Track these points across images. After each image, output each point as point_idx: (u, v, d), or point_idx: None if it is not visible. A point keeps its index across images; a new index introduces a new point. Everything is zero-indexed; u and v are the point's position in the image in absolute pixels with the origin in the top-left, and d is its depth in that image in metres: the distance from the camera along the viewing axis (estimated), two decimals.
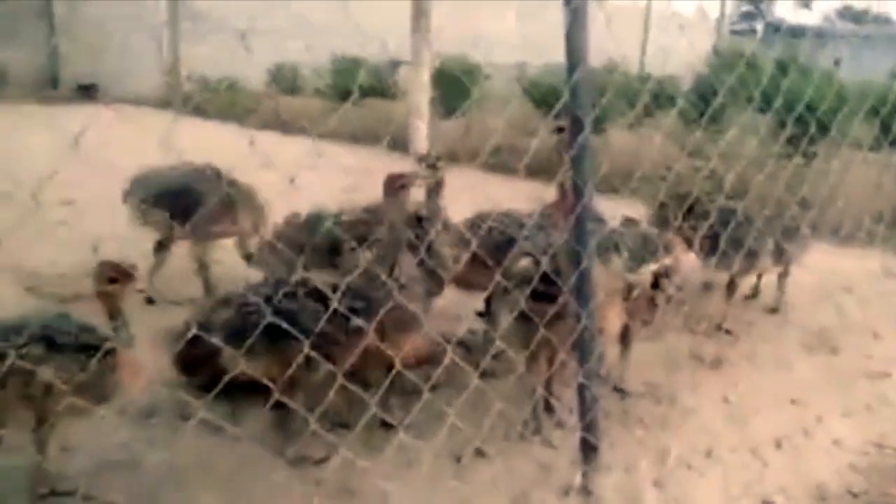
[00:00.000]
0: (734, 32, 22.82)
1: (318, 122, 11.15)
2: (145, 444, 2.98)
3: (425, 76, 9.27)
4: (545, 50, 9.46)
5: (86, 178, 6.04)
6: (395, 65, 12.68)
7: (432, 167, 3.83)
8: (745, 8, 27.88)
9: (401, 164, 9.02)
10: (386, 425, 3.29)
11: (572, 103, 2.53)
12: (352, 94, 11.23)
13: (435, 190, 3.87)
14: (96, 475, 2.84)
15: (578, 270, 2.67)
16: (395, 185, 3.22)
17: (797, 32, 15.33)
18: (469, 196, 5.12)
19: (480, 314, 4.65)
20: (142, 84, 11.29)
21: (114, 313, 2.65)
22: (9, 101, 10.03)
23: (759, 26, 25.17)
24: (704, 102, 7.03)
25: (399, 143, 9.75)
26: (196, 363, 3.03)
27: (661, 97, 9.74)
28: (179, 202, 4.47)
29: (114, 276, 2.65)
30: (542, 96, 11.37)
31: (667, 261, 4.11)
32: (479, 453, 3.25)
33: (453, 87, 10.26)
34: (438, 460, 3.17)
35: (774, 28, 20.38)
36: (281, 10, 11.71)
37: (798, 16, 29.40)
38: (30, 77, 11.50)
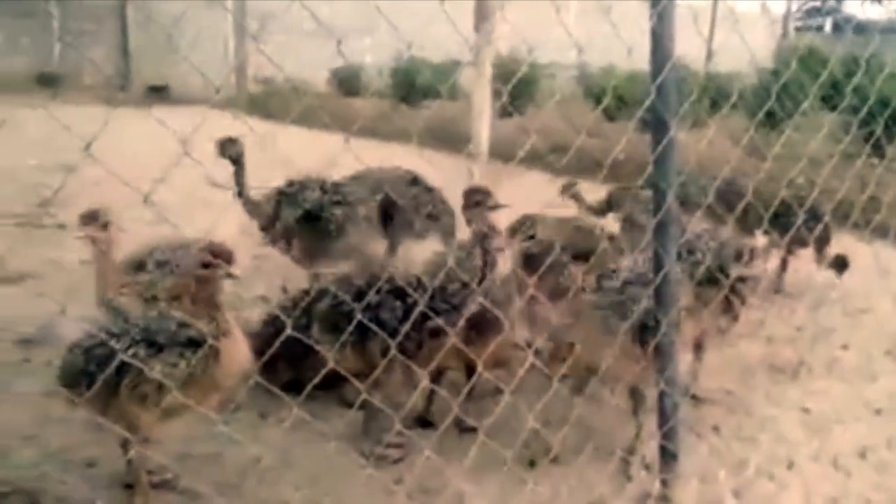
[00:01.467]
0: (799, 29, 22.07)
1: (380, 123, 11.29)
2: (228, 439, 3.05)
3: (487, 76, 9.22)
4: (606, 51, 9.35)
5: (161, 177, 6.23)
6: (456, 65, 12.71)
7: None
8: (812, 4, 26.94)
9: (462, 165, 9.06)
10: (462, 427, 3.30)
11: (658, 104, 2.49)
12: (412, 95, 11.33)
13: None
14: (182, 467, 2.93)
15: (660, 275, 2.62)
16: (472, 201, 3.25)
17: (866, 28, 14.73)
18: (525, 196, 5.12)
19: None
20: (209, 86, 11.58)
21: (212, 300, 2.65)
22: (83, 102, 10.42)
23: (827, 22, 24.29)
24: (772, 101, 6.82)
25: (460, 143, 9.76)
26: (278, 359, 3.06)
27: (726, 96, 9.51)
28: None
29: (213, 260, 2.62)
30: (603, 97, 11.26)
31: (744, 266, 4.01)
32: (555, 459, 3.23)
33: (515, 87, 10.21)
34: (514, 464, 3.17)
35: (842, 24, 19.63)
36: (346, 10, 11.86)
37: (867, 11, 28.21)
38: (103, 78, 11.95)
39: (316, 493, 2.89)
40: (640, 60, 2.67)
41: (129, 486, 2.77)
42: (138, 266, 3.49)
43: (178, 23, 11.29)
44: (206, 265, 2.61)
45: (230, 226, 5.75)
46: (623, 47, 2.60)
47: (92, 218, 3.27)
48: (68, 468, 2.88)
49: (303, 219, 4.34)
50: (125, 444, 2.64)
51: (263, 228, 4.44)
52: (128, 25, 12.18)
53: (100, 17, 12.00)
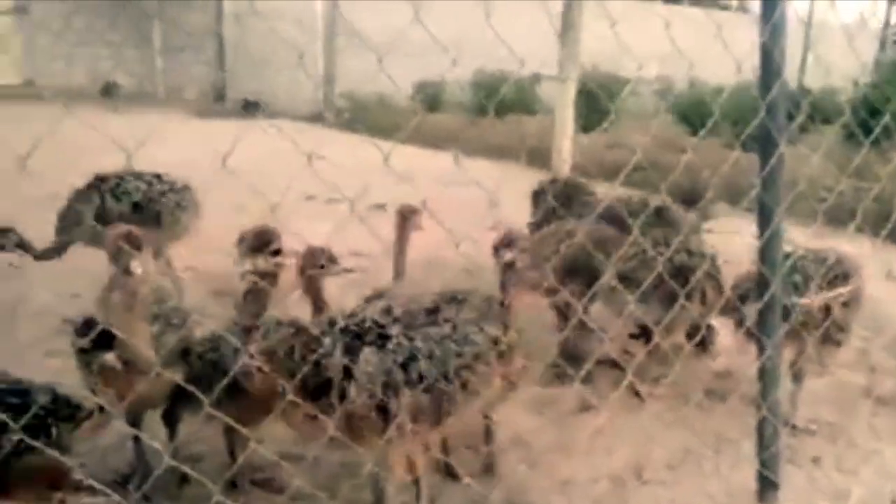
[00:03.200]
0: None
1: (460, 137, 11.41)
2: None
3: (571, 91, 9.21)
4: (688, 64, 9.14)
5: (253, 188, 6.49)
6: (537, 79, 12.71)
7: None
8: None
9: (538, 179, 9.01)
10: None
11: (768, 121, 2.43)
12: (493, 110, 11.39)
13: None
14: (279, 466, 3.03)
15: (766, 298, 2.55)
16: (502, 244, 3.16)
17: None
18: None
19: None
20: (298, 100, 12.02)
21: (318, 301, 2.72)
22: (181, 116, 11.03)
23: None
24: (868, 116, 6.51)
25: (540, 158, 9.76)
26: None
27: (821, 112, 9.14)
28: None
29: (321, 261, 2.70)
30: (688, 112, 11.01)
31: (844, 289, 3.83)
32: (641, 479, 3.19)
33: (597, 101, 10.14)
34: (598, 483, 3.15)
35: None
36: (431, 25, 12.02)
37: None
38: (200, 93, 12.56)
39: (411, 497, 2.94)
40: (726, 75, 2.61)
41: (233, 485, 2.88)
42: None
43: (270, 40, 11.77)
44: (317, 266, 2.70)
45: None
46: (709, 61, 2.56)
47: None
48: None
49: (131, 211, 4.57)
50: (232, 443, 2.74)
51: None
52: (224, 43, 12.75)
53: (199, 35, 12.62)
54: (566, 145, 9.29)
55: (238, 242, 3.21)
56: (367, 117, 12.15)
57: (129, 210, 4.58)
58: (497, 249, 3.09)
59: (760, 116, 2.41)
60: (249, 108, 12.31)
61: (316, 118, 12.14)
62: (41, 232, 4.52)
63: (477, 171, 9.28)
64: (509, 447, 3.29)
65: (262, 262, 2.87)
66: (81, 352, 2.51)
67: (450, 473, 3.08)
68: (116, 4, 11.88)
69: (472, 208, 6.74)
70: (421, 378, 2.48)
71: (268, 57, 12.13)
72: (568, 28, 9.01)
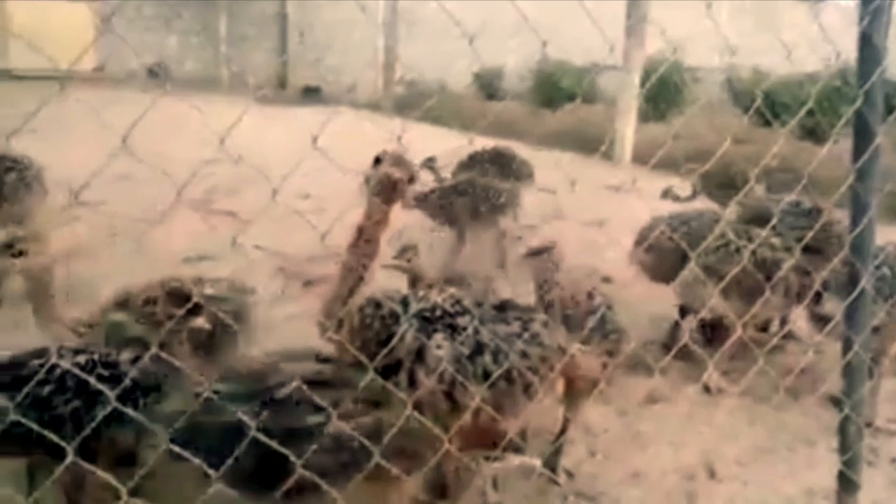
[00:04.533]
0: None
1: (519, 125, 11.33)
2: None
3: (636, 80, 9.04)
4: (754, 53, 8.86)
5: (317, 175, 6.61)
6: (598, 68, 12.52)
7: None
8: None
9: (602, 170, 8.91)
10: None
11: (866, 110, 2.34)
12: (553, 98, 11.29)
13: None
14: None
15: (856, 292, 2.46)
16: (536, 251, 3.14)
17: None
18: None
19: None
20: (358, 87, 12.12)
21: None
22: (243, 102, 11.24)
23: None
24: None
25: (597, 147, 9.63)
26: None
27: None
28: None
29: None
30: (752, 101, 10.67)
31: None
32: (713, 475, 3.14)
33: (661, 91, 9.94)
34: (668, 477, 3.11)
35: None
36: (495, 12, 12.00)
37: None
38: (262, 79, 12.79)
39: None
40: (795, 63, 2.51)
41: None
42: None
43: (332, 27, 11.89)
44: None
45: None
46: (776, 49, 2.46)
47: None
48: None
49: None
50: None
51: None
52: (287, 30, 12.93)
53: (262, 23, 12.83)
54: (628, 135, 9.14)
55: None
56: (425, 104, 12.18)
57: None
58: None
59: (857, 105, 2.32)
60: (310, 94, 12.47)
61: (375, 105, 12.21)
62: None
63: (534, 159, 9.22)
64: (577, 437, 3.28)
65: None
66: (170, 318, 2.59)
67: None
68: None
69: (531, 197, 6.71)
70: (485, 374, 2.47)
71: (329, 44, 12.25)
72: (635, 15, 8.84)
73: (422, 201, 5.31)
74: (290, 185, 6.07)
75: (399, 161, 2.79)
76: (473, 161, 6.05)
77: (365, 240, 2.62)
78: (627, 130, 9.21)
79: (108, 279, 4.70)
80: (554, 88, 11.71)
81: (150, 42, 11.81)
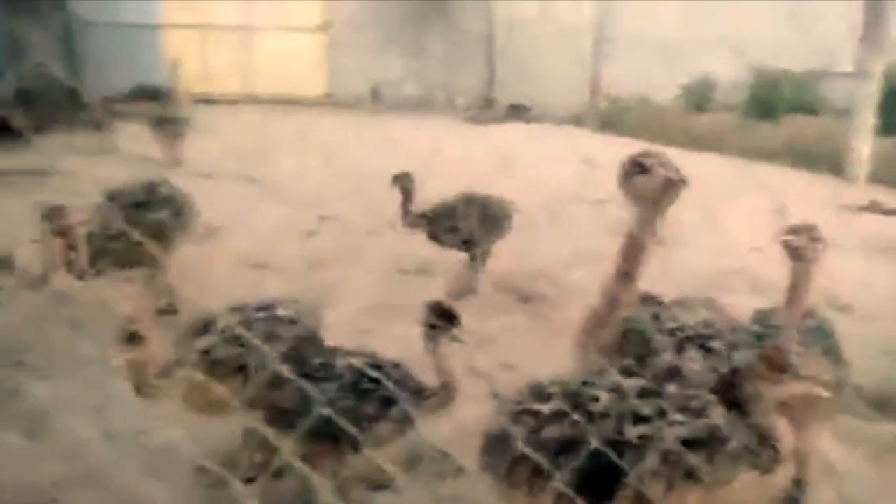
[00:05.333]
0: None
1: (731, 139, 10.78)
2: None
3: (874, 89, 8.22)
4: None
5: (520, 189, 6.79)
6: (820, 76, 11.54)
7: None
8: None
9: (830, 187, 8.21)
10: None
11: None
12: (770, 110, 10.59)
13: None
14: None
15: None
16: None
17: None
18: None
19: None
20: (563, 103, 12.24)
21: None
22: (453, 121, 11.84)
23: None
24: None
25: (824, 163, 8.89)
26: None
27: None
28: None
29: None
30: None
31: None
32: None
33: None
34: None
35: None
36: (701, 21, 11.58)
37: None
38: (471, 99, 13.35)
39: None
40: None
41: None
42: None
43: (537, 46, 12.15)
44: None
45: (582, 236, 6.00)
46: None
47: None
48: None
49: None
50: None
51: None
52: (494, 50, 13.41)
53: (472, 45, 13.42)
54: (865, 149, 8.32)
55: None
56: (631, 119, 12.00)
57: None
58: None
59: None
60: (515, 112, 12.80)
61: (579, 120, 12.27)
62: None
63: (753, 175, 8.70)
64: (819, 478, 3.10)
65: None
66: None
67: None
68: (404, 20, 13.09)
69: (755, 216, 6.37)
70: None
71: (535, 62, 12.51)
72: (874, 19, 8.05)
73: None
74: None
75: (670, 165, 2.72)
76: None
77: (636, 247, 2.59)
78: (864, 144, 8.38)
79: (344, 284, 5.22)
80: (771, 99, 10.97)
81: (374, 67, 12.83)
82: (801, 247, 2.69)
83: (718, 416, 2.21)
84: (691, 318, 2.69)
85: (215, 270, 5.24)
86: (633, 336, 2.61)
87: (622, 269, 2.60)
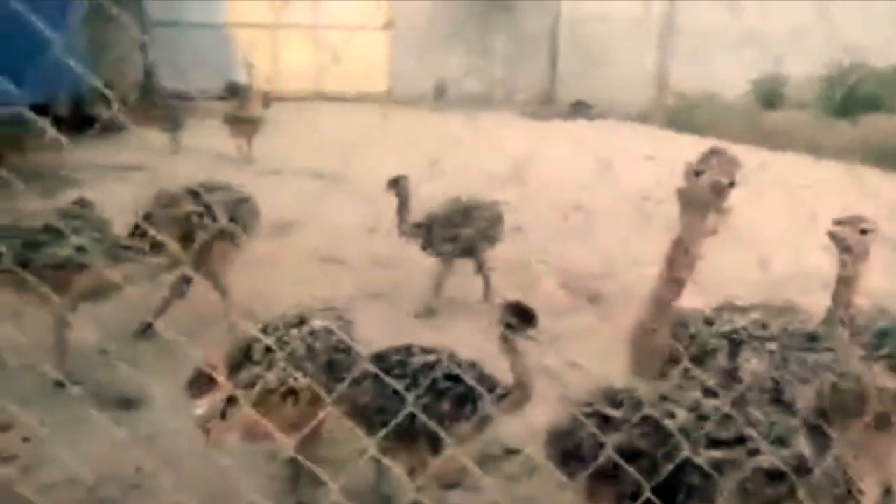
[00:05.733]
0: None
1: (804, 137, 10.42)
2: None
3: None
4: None
5: (589, 188, 6.74)
6: None
7: None
8: None
9: None
10: None
11: None
12: (847, 107, 10.19)
13: None
14: None
15: None
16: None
17: None
18: None
19: None
20: (628, 99, 12.05)
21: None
22: (512, 117, 11.79)
23: None
24: None
25: None
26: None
27: None
28: None
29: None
30: None
31: None
32: None
33: None
34: None
35: None
36: (771, 16, 11.21)
37: None
38: (532, 95, 13.28)
39: None
40: None
41: None
42: None
43: (602, 42, 11.99)
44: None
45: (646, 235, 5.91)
46: None
47: None
48: None
49: None
50: None
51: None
52: (558, 46, 13.29)
53: (534, 41, 13.33)
54: None
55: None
56: (699, 116, 11.73)
57: None
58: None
59: None
60: (578, 108, 12.66)
61: (645, 117, 12.05)
62: None
63: (825, 174, 8.41)
64: None
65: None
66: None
67: None
68: (467, 18, 13.10)
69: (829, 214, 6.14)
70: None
71: (599, 58, 12.35)
72: None
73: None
74: (565, 198, 6.27)
75: (724, 166, 2.70)
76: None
77: (684, 252, 2.59)
78: None
79: (408, 283, 5.26)
80: (849, 95, 10.54)
81: (436, 64, 12.90)
82: (848, 239, 2.63)
83: (803, 444, 2.15)
84: (743, 320, 2.64)
85: (287, 265, 5.36)
86: (685, 339, 2.57)
87: (668, 272, 2.61)
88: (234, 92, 8.98)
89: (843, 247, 2.64)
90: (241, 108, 8.60)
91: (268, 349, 2.81)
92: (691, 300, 2.91)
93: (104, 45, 10.36)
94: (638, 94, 12.27)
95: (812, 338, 2.67)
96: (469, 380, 2.70)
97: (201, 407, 2.51)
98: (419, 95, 12.31)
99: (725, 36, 11.58)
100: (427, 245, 4.86)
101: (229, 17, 12.50)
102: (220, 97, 9.86)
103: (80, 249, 3.73)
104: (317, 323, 3.00)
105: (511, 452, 3.39)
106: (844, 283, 2.65)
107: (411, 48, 12.72)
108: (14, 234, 3.68)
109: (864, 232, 2.63)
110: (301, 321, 2.99)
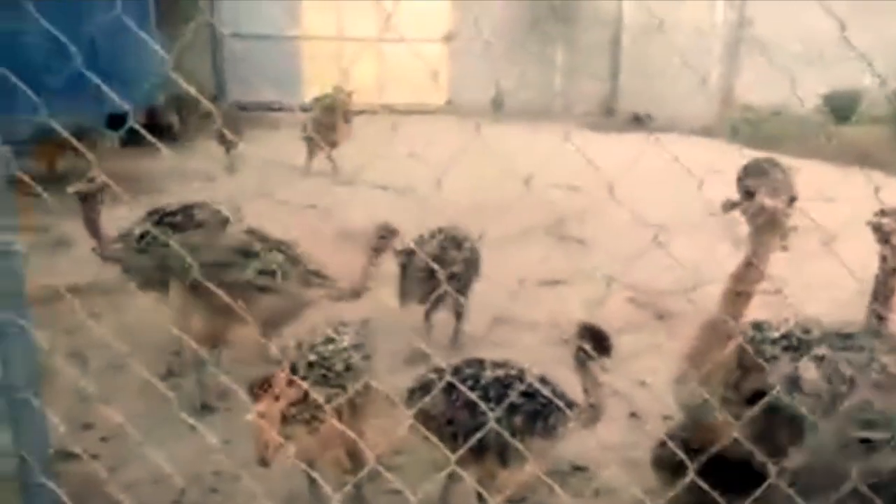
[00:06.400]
0: None
1: (882, 154, 10.05)
2: None
3: None
4: None
5: (654, 201, 6.60)
6: None
7: None
8: None
9: None
10: None
11: None
12: None
13: None
14: None
15: None
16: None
17: None
18: None
19: None
20: (692, 112, 11.83)
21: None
22: (568, 127, 11.68)
23: None
24: None
25: None
26: None
27: None
28: None
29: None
30: None
31: None
32: None
33: None
34: None
35: None
36: (850, 31, 10.81)
37: None
38: (591, 106, 13.14)
39: None
40: None
41: None
42: None
43: (666, 53, 11.80)
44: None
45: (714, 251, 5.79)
46: None
47: None
48: None
49: None
50: None
51: None
52: (620, 58, 13.14)
53: (596, 52, 13.22)
54: None
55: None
56: (766, 130, 11.42)
57: None
58: None
59: None
60: (639, 121, 12.49)
61: (710, 131, 11.80)
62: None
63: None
64: None
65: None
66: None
67: None
68: (527, 29, 13.11)
69: None
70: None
71: (662, 70, 12.16)
72: None
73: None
74: (622, 212, 6.14)
75: (774, 189, 2.75)
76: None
77: (750, 267, 2.63)
78: None
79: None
80: None
81: (495, 75, 12.93)
82: (889, 229, 2.64)
83: None
84: (795, 327, 2.67)
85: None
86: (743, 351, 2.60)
87: (733, 287, 2.66)
88: (322, 104, 8.96)
89: (885, 239, 2.67)
90: (325, 119, 8.59)
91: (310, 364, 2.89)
92: (758, 313, 2.89)
93: (177, 56, 10.69)
94: (702, 106, 12.03)
95: (849, 336, 2.69)
96: (544, 396, 2.71)
97: (254, 412, 2.55)
98: (478, 107, 12.35)
99: (796, 47, 11.26)
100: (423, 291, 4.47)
101: (299, 30, 12.81)
102: (302, 109, 10.09)
103: (267, 273, 3.81)
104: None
105: (578, 469, 3.38)
106: (884, 277, 2.68)
107: (471, 59, 12.78)
108: (206, 252, 3.66)
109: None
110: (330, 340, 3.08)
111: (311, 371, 2.89)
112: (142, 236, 4.05)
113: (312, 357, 2.93)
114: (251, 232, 3.99)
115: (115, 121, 9.00)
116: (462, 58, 13.07)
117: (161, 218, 4.17)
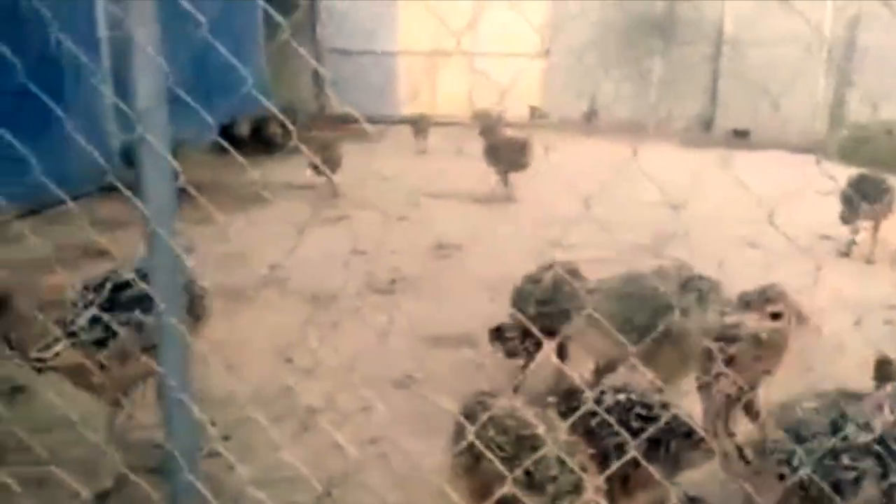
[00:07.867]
0: None
1: None
2: None
3: None
4: None
5: (760, 222, 6.35)
6: None
7: None
8: None
9: None
10: None
11: None
12: None
13: None
14: None
15: None
16: None
17: None
18: None
19: None
20: (795, 129, 11.38)
21: None
22: (666, 145, 11.43)
23: None
24: None
25: None
26: None
27: None
28: None
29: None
30: None
31: None
32: None
33: None
34: None
35: None
36: None
37: None
38: (689, 122, 12.84)
39: None
40: None
41: None
42: None
43: (770, 68, 11.40)
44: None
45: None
46: None
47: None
48: None
49: None
50: None
51: None
52: (719, 72, 12.81)
53: (694, 66, 12.93)
54: None
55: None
56: (877, 149, 10.86)
57: None
58: None
59: None
60: (739, 137, 12.13)
61: (814, 149, 11.32)
62: None
63: None
64: None
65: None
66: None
67: None
68: (624, 43, 12.96)
69: None
70: None
71: (764, 85, 11.77)
72: None
73: None
74: (737, 233, 6.03)
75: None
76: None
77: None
78: None
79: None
80: None
81: (590, 90, 12.84)
82: None
83: None
84: None
85: (454, 287, 5.52)
86: None
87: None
88: (486, 120, 8.78)
89: None
90: (493, 135, 8.54)
91: None
92: None
93: (281, 70, 11.21)
94: (806, 123, 11.55)
95: None
96: (672, 424, 2.68)
97: None
98: (571, 121, 12.29)
99: None
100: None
101: (397, 45, 13.13)
102: (408, 121, 10.32)
103: None
104: None
105: (693, 501, 3.30)
106: None
107: (566, 73, 12.75)
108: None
109: None
110: None
111: None
112: None
113: None
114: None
115: (226, 131, 9.47)
116: (558, 72, 13.06)
117: None
